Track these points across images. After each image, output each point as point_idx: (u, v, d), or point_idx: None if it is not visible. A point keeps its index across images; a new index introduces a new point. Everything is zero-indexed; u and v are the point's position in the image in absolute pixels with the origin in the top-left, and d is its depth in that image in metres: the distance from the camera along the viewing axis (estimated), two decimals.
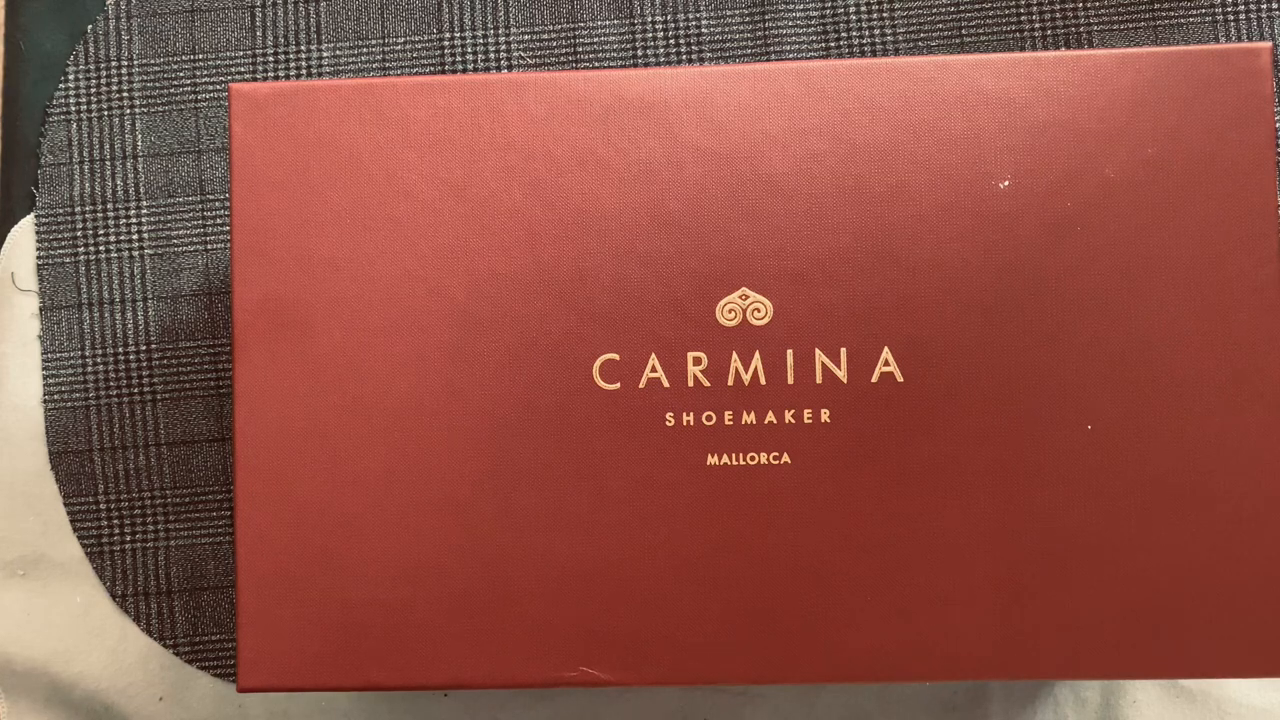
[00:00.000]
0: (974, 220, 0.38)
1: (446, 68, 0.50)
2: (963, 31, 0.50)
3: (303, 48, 0.51)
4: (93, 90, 0.51)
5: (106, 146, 0.50)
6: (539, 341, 0.39)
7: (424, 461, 0.39)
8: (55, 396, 0.50)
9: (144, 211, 0.50)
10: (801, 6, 0.50)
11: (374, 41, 0.51)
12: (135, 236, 0.50)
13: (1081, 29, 0.49)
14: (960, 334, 0.38)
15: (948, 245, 0.38)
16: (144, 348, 0.50)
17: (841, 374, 0.39)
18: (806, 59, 0.50)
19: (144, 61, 0.51)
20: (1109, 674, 0.38)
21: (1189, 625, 0.38)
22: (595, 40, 0.50)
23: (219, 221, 0.50)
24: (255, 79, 0.51)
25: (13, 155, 0.51)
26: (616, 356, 0.39)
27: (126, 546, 0.49)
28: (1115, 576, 0.38)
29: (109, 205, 0.50)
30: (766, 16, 0.50)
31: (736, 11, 0.50)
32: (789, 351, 0.39)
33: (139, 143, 0.50)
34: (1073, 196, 0.38)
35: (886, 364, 0.38)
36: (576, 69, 0.50)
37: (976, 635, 0.38)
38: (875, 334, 0.38)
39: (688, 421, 0.39)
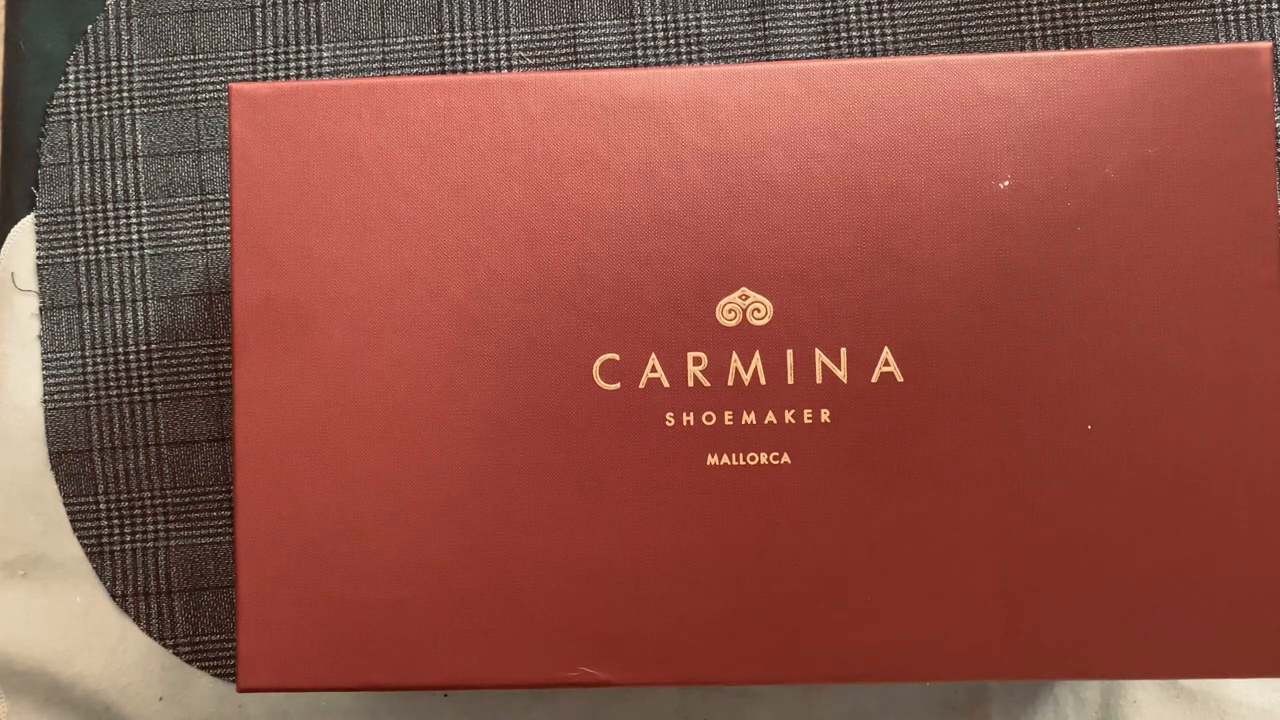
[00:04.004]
0: (974, 220, 0.38)
1: (446, 68, 0.50)
2: (963, 31, 0.50)
3: (303, 48, 0.51)
4: (93, 90, 0.51)
5: (106, 146, 0.50)
6: (539, 341, 0.39)
7: (424, 461, 0.39)
8: (55, 396, 0.50)
9: (144, 211, 0.50)
10: (801, 6, 0.50)
11: (374, 41, 0.51)
12: (135, 236, 0.50)
13: (1081, 29, 0.49)
14: (960, 334, 0.38)
15: (948, 245, 0.38)
16: (144, 348, 0.50)
17: (841, 374, 0.39)
18: (806, 59, 0.50)
19: (144, 61, 0.51)
20: (1109, 674, 0.38)
21: (1189, 625, 0.38)
22: (595, 40, 0.50)
23: (219, 221, 0.50)
24: (255, 79, 0.51)
25: (13, 155, 0.51)
26: (616, 356, 0.39)
27: (126, 546, 0.49)
28: (1115, 576, 0.38)
29: (109, 205, 0.50)
30: (766, 16, 0.50)
31: (736, 11, 0.50)
32: (789, 351, 0.39)
33: (139, 143, 0.50)
34: (1073, 196, 0.38)
35: (886, 364, 0.38)
36: (576, 69, 0.50)
37: (976, 635, 0.38)
38: (875, 334, 0.38)
39: (688, 421, 0.39)
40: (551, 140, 0.39)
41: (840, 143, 0.39)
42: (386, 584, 0.39)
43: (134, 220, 0.50)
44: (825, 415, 0.38)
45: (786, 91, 0.39)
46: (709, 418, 0.39)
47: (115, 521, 0.49)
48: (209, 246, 0.50)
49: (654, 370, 0.39)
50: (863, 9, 0.50)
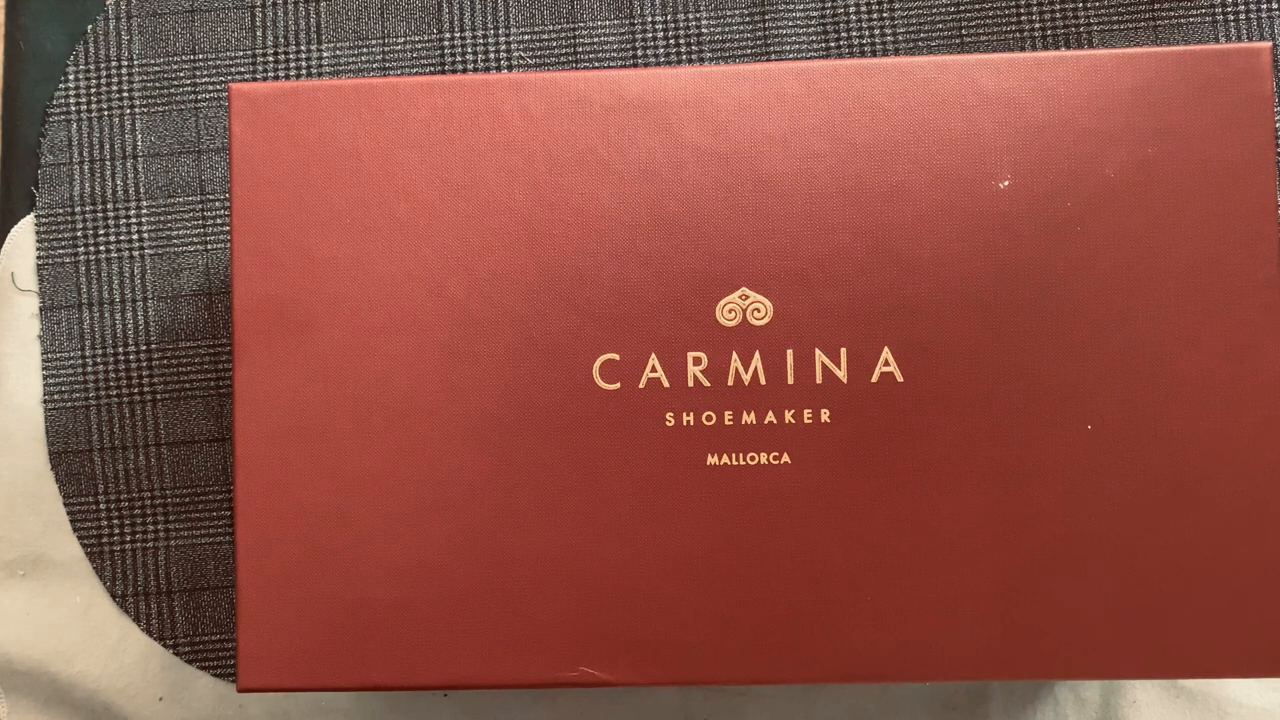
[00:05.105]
0: (974, 220, 0.38)
1: (446, 68, 0.50)
2: (963, 31, 0.50)
3: (303, 48, 0.51)
4: (93, 90, 0.51)
5: (106, 146, 0.50)
6: (539, 341, 0.39)
7: (424, 461, 0.39)
8: (55, 396, 0.50)
9: (144, 211, 0.50)
10: (801, 6, 0.50)
11: (374, 41, 0.51)
12: (135, 236, 0.50)
13: (1081, 29, 0.49)
14: (960, 334, 0.38)
15: (948, 245, 0.38)
16: (144, 348, 0.50)
17: (841, 374, 0.39)
18: (806, 59, 0.50)
19: (144, 61, 0.51)
20: (1109, 674, 0.38)
21: (1189, 625, 0.38)
22: (595, 40, 0.50)
23: (219, 221, 0.50)
24: (255, 79, 0.51)
25: (13, 155, 0.51)
26: (616, 356, 0.39)
27: (126, 546, 0.49)
28: (1115, 576, 0.38)
29: (109, 205, 0.50)
30: (766, 16, 0.50)
31: (736, 11, 0.50)
32: (789, 351, 0.39)
33: (139, 143, 0.50)
34: (1073, 196, 0.38)
35: (886, 364, 0.38)
36: (576, 69, 0.50)
37: (976, 635, 0.38)
38: (875, 334, 0.38)
39: (688, 421, 0.39)
40: (551, 140, 0.39)
41: (840, 143, 0.39)
42: (386, 584, 0.39)
43: (134, 220, 0.50)
44: (825, 415, 0.38)
45: (786, 91, 0.39)
46: (709, 418, 0.39)
47: (115, 521, 0.49)
48: (209, 246, 0.50)
49: (654, 370, 0.39)
50: (863, 9, 0.50)
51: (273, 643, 0.39)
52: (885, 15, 0.50)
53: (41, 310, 0.50)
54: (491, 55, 0.50)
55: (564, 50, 0.50)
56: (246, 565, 0.39)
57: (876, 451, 0.38)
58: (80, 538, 0.49)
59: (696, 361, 0.39)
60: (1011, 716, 0.48)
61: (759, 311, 0.39)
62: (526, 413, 0.39)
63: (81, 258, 0.50)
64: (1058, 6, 0.50)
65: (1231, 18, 0.49)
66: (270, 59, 0.51)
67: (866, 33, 0.50)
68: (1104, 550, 0.38)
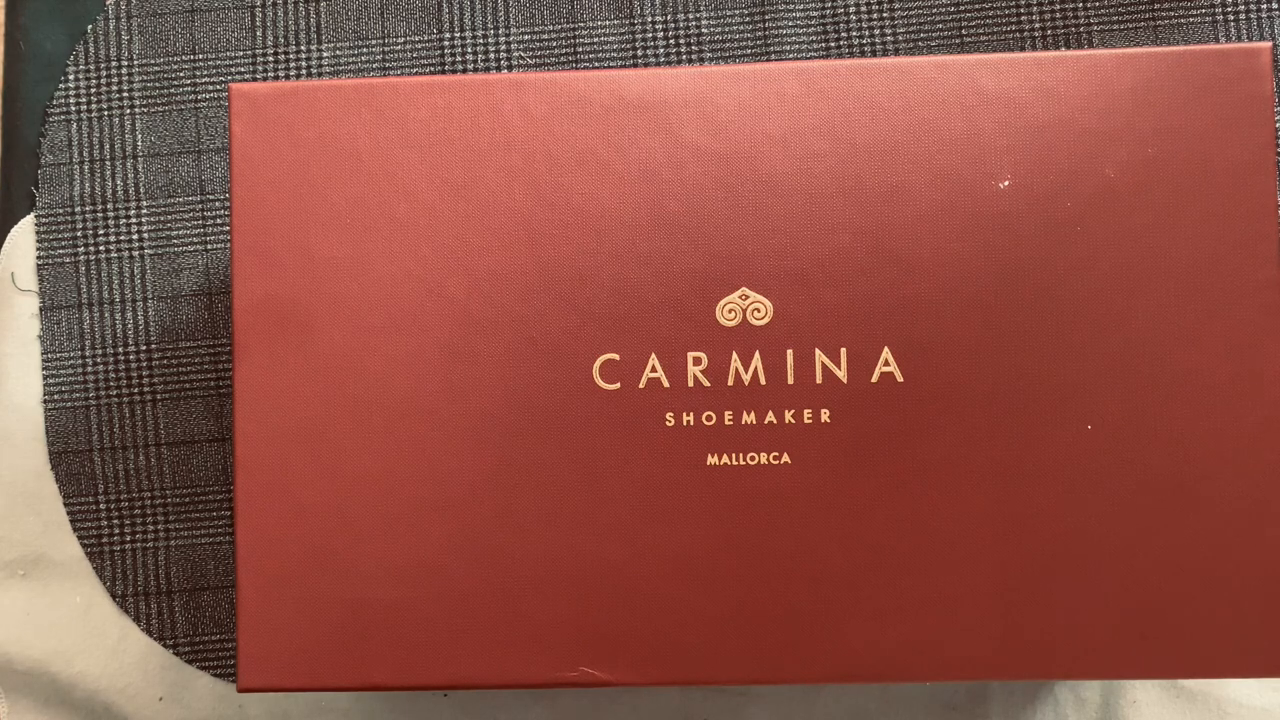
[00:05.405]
0: (974, 220, 0.38)
1: (446, 68, 0.50)
2: (963, 31, 0.50)
3: (303, 48, 0.51)
4: (93, 90, 0.51)
5: (106, 146, 0.50)
6: (539, 341, 0.39)
7: (424, 461, 0.39)
8: (55, 396, 0.50)
9: (144, 211, 0.50)
10: (801, 6, 0.50)
11: (374, 41, 0.51)
12: (135, 236, 0.50)
13: (1081, 29, 0.49)
14: (960, 334, 0.38)
15: (948, 245, 0.38)
16: (144, 348, 0.50)
17: (841, 374, 0.39)
18: (806, 59, 0.50)
19: (144, 61, 0.51)
20: (1109, 674, 0.38)
21: (1189, 625, 0.38)
22: (595, 40, 0.50)
23: (219, 221, 0.50)
24: (255, 79, 0.51)
25: (13, 155, 0.51)
26: (616, 356, 0.39)
27: (126, 546, 0.49)
28: (1115, 576, 0.38)
29: (109, 205, 0.50)
30: (766, 16, 0.50)
31: (736, 11, 0.50)
32: (789, 351, 0.39)
33: (139, 143, 0.50)
34: (1073, 196, 0.38)
35: (886, 364, 0.38)
36: (576, 69, 0.50)
37: (976, 635, 0.38)
38: (875, 334, 0.38)
39: (688, 421, 0.39)
40: (551, 140, 0.39)
41: (840, 142, 0.39)
42: (386, 584, 0.39)
43: (134, 220, 0.50)
44: (825, 415, 0.38)
45: (786, 91, 0.39)
46: (709, 418, 0.39)
47: (115, 521, 0.49)
48: (209, 246, 0.50)
49: (654, 370, 0.39)
50: (863, 9, 0.50)
51: (273, 643, 0.39)
52: (885, 15, 0.50)
53: (41, 310, 0.50)
54: (491, 55, 0.50)
55: (564, 50, 0.50)
56: (246, 565, 0.39)
57: (876, 451, 0.38)
58: (80, 538, 0.49)
59: (696, 361, 0.39)
60: (1011, 716, 0.48)
61: (759, 311, 0.39)
62: (526, 413, 0.39)
63: (81, 258, 0.50)
64: (1058, 6, 0.50)
65: (1231, 18, 0.49)
66: (270, 59, 0.51)
67: (866, 33, 0.50)
68: (1104, 550, 0.38)
